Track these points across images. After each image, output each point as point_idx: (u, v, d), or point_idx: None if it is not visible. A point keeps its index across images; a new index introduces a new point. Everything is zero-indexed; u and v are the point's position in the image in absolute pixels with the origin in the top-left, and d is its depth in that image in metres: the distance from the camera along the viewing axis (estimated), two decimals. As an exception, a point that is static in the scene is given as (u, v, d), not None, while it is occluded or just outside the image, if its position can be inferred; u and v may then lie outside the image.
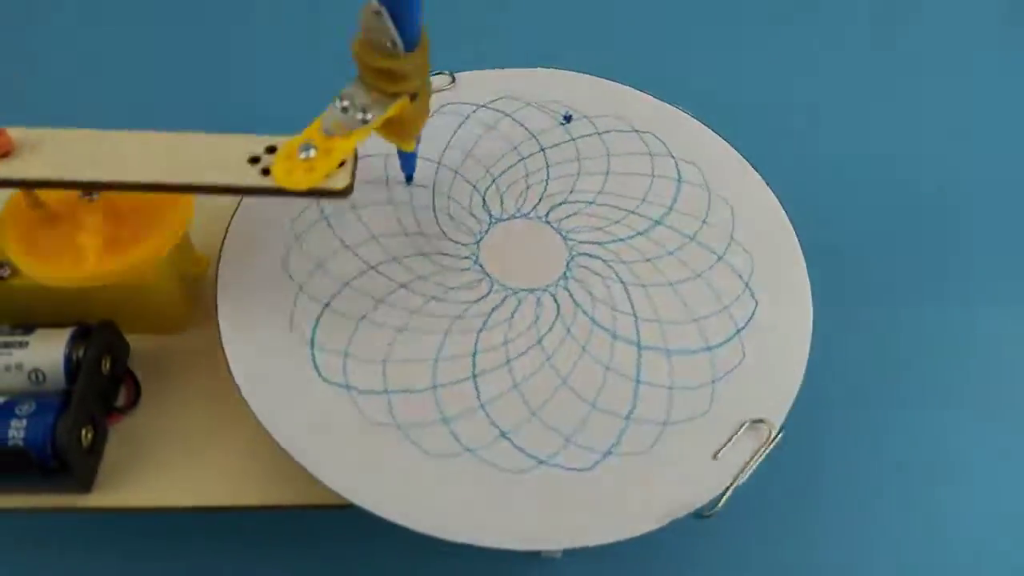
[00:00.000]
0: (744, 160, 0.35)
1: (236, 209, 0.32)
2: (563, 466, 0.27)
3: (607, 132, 0.36)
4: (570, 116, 0.35)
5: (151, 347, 0.31)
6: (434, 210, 0.33)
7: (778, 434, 0.28)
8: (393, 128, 0.28)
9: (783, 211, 0.34)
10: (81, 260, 0.28)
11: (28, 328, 0.29)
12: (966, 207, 0.48)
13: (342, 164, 0.25)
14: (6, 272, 0.29)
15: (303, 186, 0.25)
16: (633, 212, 0.34)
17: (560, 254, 0.32)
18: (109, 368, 0.29)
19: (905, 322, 0.43)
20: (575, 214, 0.33)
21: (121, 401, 0.30)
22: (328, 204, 0.32)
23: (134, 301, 0.30)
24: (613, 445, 0.27)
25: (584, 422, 0.28)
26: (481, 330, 0.30)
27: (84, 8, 0.55)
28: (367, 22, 0.25)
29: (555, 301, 0.31)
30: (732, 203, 0.34)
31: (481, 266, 0.32)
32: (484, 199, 0.34)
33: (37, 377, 0.28)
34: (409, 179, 0.33)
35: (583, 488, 0.26)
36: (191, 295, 0.32)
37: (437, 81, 0.36)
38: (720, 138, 0.36)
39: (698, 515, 0.26)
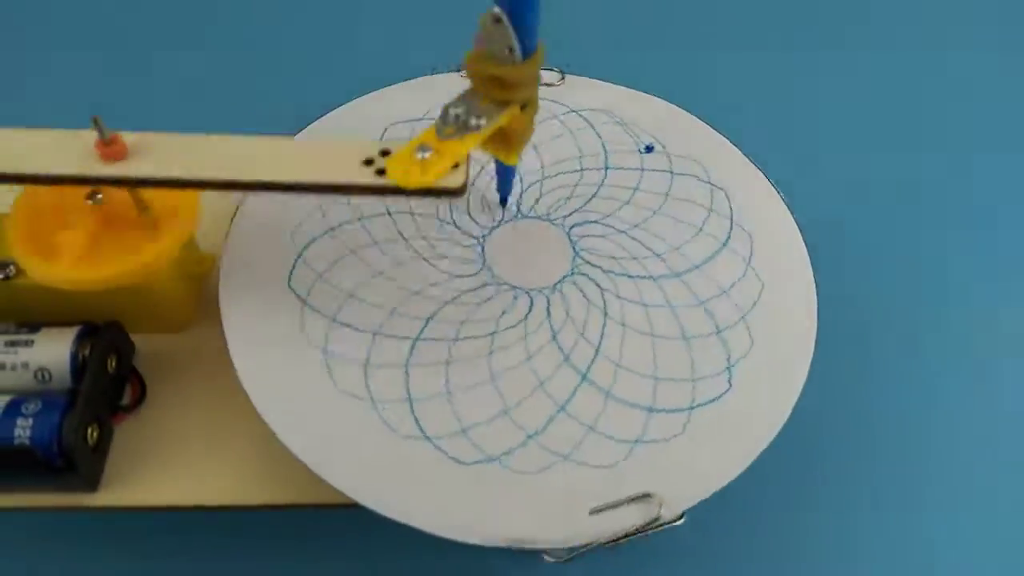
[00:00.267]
0: (806, 257, 0.33)
1: (237, 209, 0.32)
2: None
3: (681, 175, 0.35)
4: (651, 147, 0.34)
5: (156, 346, 0.31)
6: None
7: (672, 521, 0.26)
8: (499, 140, 0.28)
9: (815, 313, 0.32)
10: (86, 261, 0.28)
11: (34, 327, 0.29)
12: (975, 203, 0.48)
13: (456, 166, 0.26)
14: (11, 272, 0.29)
15: (419, 184, 0.25)
16: (658, 256, 0.33)
17: (561, 265, 0.32)
18: (115, 367, 0.29)
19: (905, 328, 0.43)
20: (601, 236, 0.33)
21: (126, 400, 0.30)
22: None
23: (140, 301, 0.30)
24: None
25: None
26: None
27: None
28: (485, 28, 0.25)
29: (531, 304, 0.31)
30: (764, 280, 0.32)
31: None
32: (522, 193, 0.34)
33: (43, 376, 0.28)
34: (503, 201, 0.33)
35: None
36: (196, 294, 0.32)
37: (545, 76, 0.36)
38: (791, 219, 0.34)
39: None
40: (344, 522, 0.35)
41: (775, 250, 0.33)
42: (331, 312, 0.30)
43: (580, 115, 0.37)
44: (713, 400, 0.29)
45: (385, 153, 0.27)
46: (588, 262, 0.32)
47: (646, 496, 0.26)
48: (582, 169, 0.35)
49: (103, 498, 0.28)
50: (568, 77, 0.37)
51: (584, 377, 0.29)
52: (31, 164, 0.26)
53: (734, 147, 0.36)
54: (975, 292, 0.45)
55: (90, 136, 0.26)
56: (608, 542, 0.25)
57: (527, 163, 0.35)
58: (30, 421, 0.27)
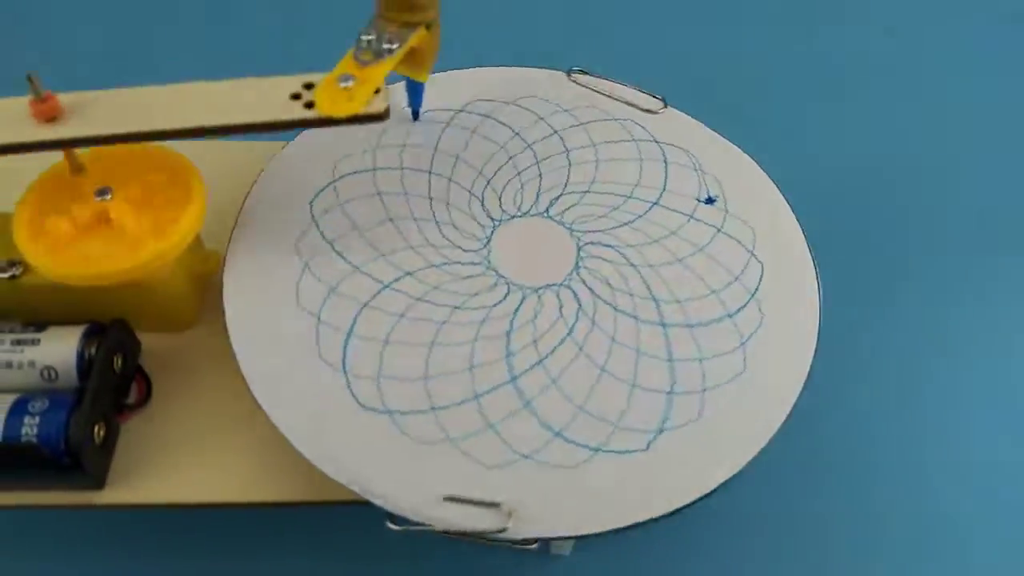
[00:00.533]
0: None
1: (241, 208, 0.32)
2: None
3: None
4: (713, 199, 0.34)
5: (162, 345, 0.31)
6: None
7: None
8: (410, 60, 0.30)
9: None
10: (93, 259, 0.28)
11: (40, 326, 0.29)
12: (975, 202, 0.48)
13: (377, 91, 0.27)
14: (17, 270, 0.29)
15: (347, 112, 0.27)
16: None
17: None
18: (121, 366, 0.29)
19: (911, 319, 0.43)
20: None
21: (132, 398, 0.30)
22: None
23: (145, 299, 0.30)
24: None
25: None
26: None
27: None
28: None
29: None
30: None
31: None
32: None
33: (49, 375, 0.28)
34: (416, 115, 0.35)
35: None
36: (201, 293, 0.32)
37: (646, 102, 0.37)
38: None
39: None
40: (346, 519, 0.35)
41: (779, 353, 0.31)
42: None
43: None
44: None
45: (309, 87, 0.28)
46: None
47: (495, 505, 0.25)
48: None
49: (109, 496, 0.28)
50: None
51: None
52: None
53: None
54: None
55: (22, 100, 0.26)
56: (442, 532, 0.25)
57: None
58: (37, 419, 0.27)
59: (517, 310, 0.30)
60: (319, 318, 0.29)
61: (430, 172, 0.34)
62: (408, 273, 0.31)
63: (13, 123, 0.26)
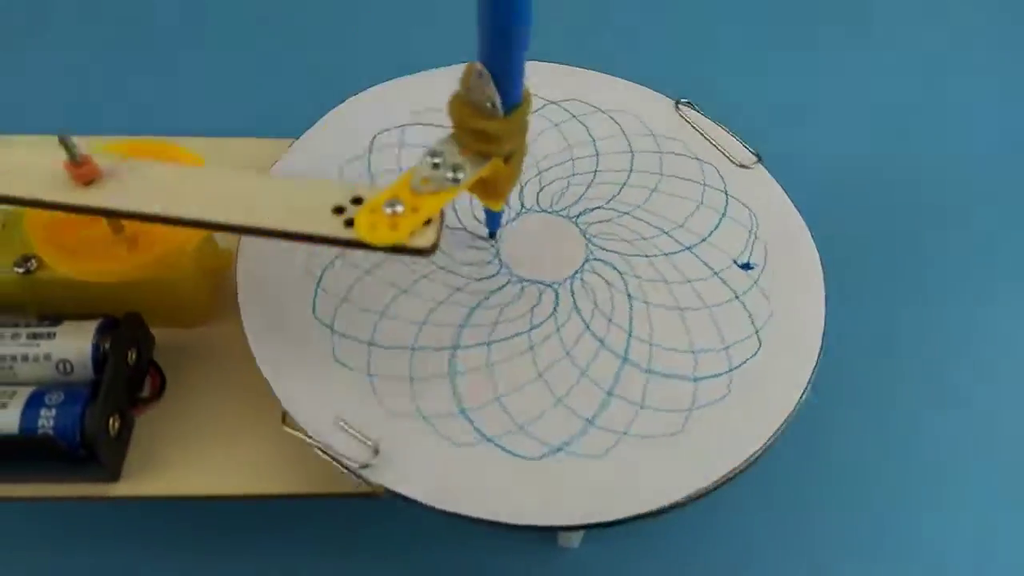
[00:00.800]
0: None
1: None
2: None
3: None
4: (751, 265, 0.32)
5: (174, 339, 0.32)
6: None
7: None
8: (483, 188, 0.27)
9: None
10: (108, 255, 0.29)
11: (55, 320, 0.29)
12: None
13: (428, 222, 0.24)
14: (32, 265, 0.30)
15: (386, 242, 0.24)
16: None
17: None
18: (135, 359, 0.30)
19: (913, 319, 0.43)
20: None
21: (147, 392, 0.30)
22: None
23: (159, 295, 0.30)
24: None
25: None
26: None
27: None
28: (468, 82, 0.24)
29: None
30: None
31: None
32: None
33: (65, 368, 0.28)
34: (492, 235, 0.33)
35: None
36: (214, 289, 0.33)
37: (740, 153, 0.36)
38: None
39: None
40: (356, 512, 0.35)
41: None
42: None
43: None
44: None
45: (357, 201, 0.25)
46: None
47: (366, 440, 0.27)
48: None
49: (124, 488, 0.28)
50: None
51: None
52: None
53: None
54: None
55: (59, 158, 0.25)
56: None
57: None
58: (53, 412, 0.27)
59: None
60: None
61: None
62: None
63: (53, 183, 0.25)
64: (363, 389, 0.28)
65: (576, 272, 0.32)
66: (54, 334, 0.29)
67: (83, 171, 0.25)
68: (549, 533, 0.34)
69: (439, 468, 0.26)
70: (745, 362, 0.29)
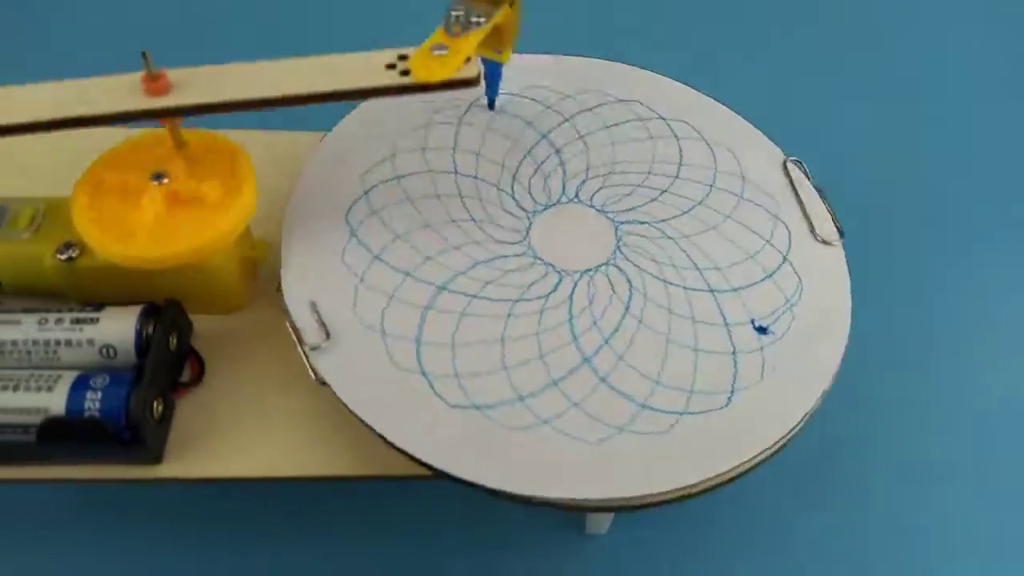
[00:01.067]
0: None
1: (291, 195, 0.33)
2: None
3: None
4: (764, 328, 0.31)
5: (212, 326, 0.32)
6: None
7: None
8: (492, 40, 0.32)
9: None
10: (152, 241, 0.29)
11: (97, 306, 0.30)
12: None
13: (467, 60, 0.29)
14: (74, 252, 0.30)
15: (441, 76, 0.29)
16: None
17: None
18: (176, 345, 0.30)
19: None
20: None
21: (185, 378, 0.31)
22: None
23: (198, 282, 0.31)
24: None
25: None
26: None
27: None
28: None
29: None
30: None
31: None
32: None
33: (108, 352, 0.29)
34: (491, 104, 0.36)
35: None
36: (250, 278, 0.33)
37: (825, 228, 0.34)
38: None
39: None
40: (390, 493, 0.36)
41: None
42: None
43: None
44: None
45: (403, 57, 0.29)
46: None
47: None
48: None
49: (166, 470, 0.29)
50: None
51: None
52: (82, 107, 0.28)
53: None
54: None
55: (134, 76, 0.28)
56: None
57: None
58: (99, 394, 0.27)
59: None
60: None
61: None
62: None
63: (126, 95, 0.28)
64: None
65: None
66: (97, 320, 0.29)
67: (158, 85, 0.28)
68: (604, 512, 0.34)
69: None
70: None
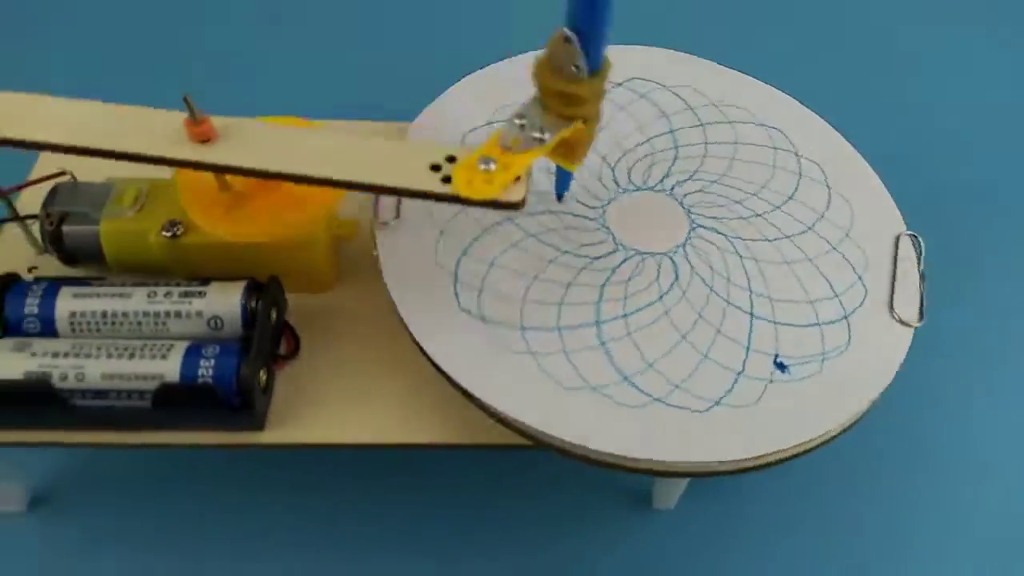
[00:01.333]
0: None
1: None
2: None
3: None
4: (784, 365, 0.31)
5: (303, 304, 0.34)
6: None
7: None
8: (562, 150, 0.29)
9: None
10: (254, 220, 0.31)
11: (204, 281, 0.31)
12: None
13: (517, 179, 0.27)
14: (179, 229, 0.32)
15: (482, 196, 0.26)
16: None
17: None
18: (276, 319, 0.32)
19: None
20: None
21: (283, 350, 0.33)
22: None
23: (294, 260, 0.33)
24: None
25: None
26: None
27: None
28: (555, 46, 0.26)
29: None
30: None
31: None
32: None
33: (216, 323, 0.31)
34: (559, 197, 0.35)
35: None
36: (338, 257, 0.35)
37: (904, 308, 0.33)
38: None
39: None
40: (471, 462, 0.38)
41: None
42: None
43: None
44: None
45: (451, 159, 0.27)
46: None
47: None
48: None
49: (269, 436, 0.30)
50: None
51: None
52: (122, 142, 0.27)
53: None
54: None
55: (178, 116, 0.27)
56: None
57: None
58: (212, 362, 0.29)
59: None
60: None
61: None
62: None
63: (171, 140, 0.27)
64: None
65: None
66: (204, 293, 0.31)
67: (201, 129, 0.27)
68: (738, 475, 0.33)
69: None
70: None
